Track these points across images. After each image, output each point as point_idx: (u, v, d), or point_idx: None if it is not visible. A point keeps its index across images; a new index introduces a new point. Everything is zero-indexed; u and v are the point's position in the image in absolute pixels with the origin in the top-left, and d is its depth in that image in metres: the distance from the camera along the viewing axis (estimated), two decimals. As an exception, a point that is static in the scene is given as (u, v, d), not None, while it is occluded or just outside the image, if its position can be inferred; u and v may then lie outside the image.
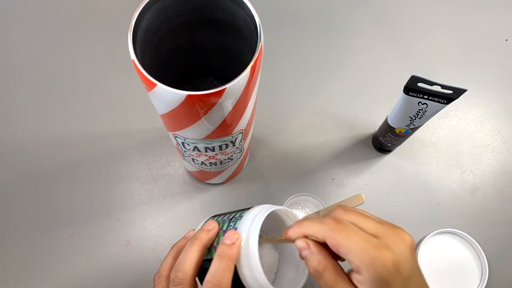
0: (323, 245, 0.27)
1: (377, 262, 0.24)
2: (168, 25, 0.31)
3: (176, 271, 0.28)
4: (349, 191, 0.49)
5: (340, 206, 0.29)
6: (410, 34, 0.59)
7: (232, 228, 0.29)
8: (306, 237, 0.28)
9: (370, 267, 0.24)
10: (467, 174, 0.51)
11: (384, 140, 0.48)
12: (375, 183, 0.49)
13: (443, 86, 0.36)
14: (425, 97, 0.38)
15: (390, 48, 0.58)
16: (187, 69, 0.39)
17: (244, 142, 0.38)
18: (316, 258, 0.26)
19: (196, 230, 0.31)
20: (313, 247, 0.27)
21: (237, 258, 0.27)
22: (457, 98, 0.37)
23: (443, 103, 0.38)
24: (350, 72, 0.56)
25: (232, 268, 0.27)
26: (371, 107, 0.54)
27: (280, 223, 0.33)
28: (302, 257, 0.28)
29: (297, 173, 0.50)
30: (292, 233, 0.28)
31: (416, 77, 0.36)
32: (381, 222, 0.27)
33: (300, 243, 0.27)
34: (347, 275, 0.26)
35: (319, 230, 0.27)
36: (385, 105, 0.52)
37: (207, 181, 0.48)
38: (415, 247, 0.27)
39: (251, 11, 0.27)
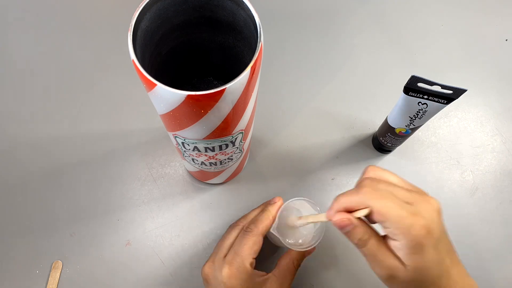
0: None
1: (412, 229, 0.26)
2: (168, 25, 0.31)
3: (253, 224, 0.37)
4: (349, 191, 0.49)
5: (368, 177, 0.31)
6: (410, 34, 0.59)
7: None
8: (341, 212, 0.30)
9: (406, 234, 0.26)
10: (467, 174, 0.51)
11: (384, 140, 0.48)
12: (375, 183, 0.49)
13: (443, 86, 0.36)
14: (425, 97, 0.38)
15: (390, 48, 0.58)
16: (187, 69, 0.39)
17: (244, 142, 0.38)
18: (360, 229, 0.28)
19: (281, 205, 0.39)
20: (355, 221, 0.28)
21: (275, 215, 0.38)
22: (457, 98, 0.37)
23: (443, 103, 0.38)
24: (350, 72, 0.56)
25: (271, 218, 0.37)
26: (371, 107, 0.54)
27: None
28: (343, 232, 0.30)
29: (297, 173, 0.50)
30: (332, 212, 0.30)
31: (416, 77, 0.36)
32: (409, 189, 0.30)
33: (341, 221, 0.29)
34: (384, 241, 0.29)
35: (358, 200, 0.28)
36: (385, 105, 0.52)
37: (207, 181, 0.48)
38: (441, 211, 0.29)
39: (251, 11, 0.27)
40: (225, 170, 0.43)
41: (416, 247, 0.27)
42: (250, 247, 0.35)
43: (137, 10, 0.27)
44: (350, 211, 0.29)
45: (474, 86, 0.56)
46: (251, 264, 0.35)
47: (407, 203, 0.28)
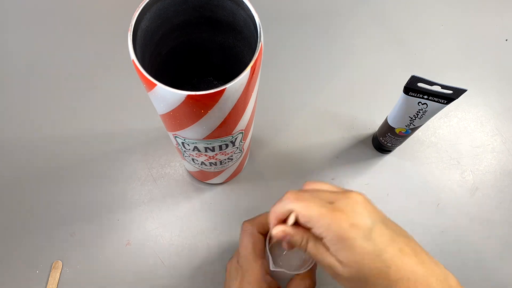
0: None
1: (333, 224, 0.27)
2: (168, 25, 0.31)
3: (247, 221, 0.36)
4: (349, 191, 0.49)
5: (302, 187, 0.32)
6: (410, 34, 0.59)
7: None
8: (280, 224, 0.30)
9: (328, 230, 0.27)
10: (467, 174, 0.51)
11: (384, 140, 0.48)
12: (375, 183, 0.49)
13: (443, 86, 0.36)
14: (425, 97, 0.38)
15: (390, 48, 0.58)
16: (187, 69, 0.39)
17: (244, 142, 0.38)
18: (297, 237, 0.29)
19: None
20: (289, 230, 0.29)
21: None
22: (457, 98, 0.37)
23: (443, 103, 0.38)
24: (350, 72, 0.56)
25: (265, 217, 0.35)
26: (371, 107, 0.54)
27: None
28: (287, 245, 0.31)
29: (297, 173, 0.50)
30: (271, 226, 0.30)
31: (416, 77, 0.36)
32: (334, 191, 0.30)
33: (277, 233, 0.29)
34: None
35: (281, 207, 0.29)
36: (385, 105, 0.52)
37: (207, 181, 0.48)
38: (367, 203, 0.29)
39: (251, 11, 0.27)
40: (225, 170, 0.43)
41: (341, 241, 0.26)
42: (252, 249, 0.34)
43: (137, 10, 0.27)
44: (284, 220, 0.30)
45: (474, 86, 0.56)
46: (261, 265, 0.34)
47: (329, 202, 0.28)
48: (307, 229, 0.29)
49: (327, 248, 0.28)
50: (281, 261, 0.36)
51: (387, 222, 0.29)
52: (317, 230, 0.27)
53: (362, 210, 0.28)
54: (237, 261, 0.35)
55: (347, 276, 0.27)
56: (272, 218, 0.30)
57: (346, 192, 0.30)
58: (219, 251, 0.45)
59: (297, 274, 0.36)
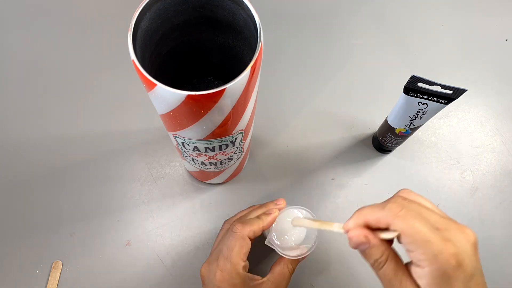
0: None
1: (441, 256, 0.23)
2: (168, 25, 0.31)
3: (240, 224, 0.35)
4: (349, 191, 0.49)
5: (401, 194, 0.28)
6: (410, 34, 0.59)
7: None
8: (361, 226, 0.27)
9: (433, 260, 0.23)
10: (467, 174, 0.51)
11: (384, 140, 0.48)
12: (375, 183, 0.49)
13: (443, 86, 0.36)
14: (425, 97, 0.38)
15: (390, 48, 0.58)
16: (187, 69, 0.39)
17: (244, 142, 0.38)
18: (377, 250, 0.26)
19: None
20: (373, 240, 0.26)
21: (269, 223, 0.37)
22: (457, 98, 0.37)
23: (443, 103, 0.38)
24: (350, 72, 0.56)
25: (260, 227, 0.36)
26: (371, 107, 0.54)
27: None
28: (356, 248, 0.27)
29: (297, 173, 0.50)
30: (351, 224, 0.27)
31: (416, 77, 0.36)
32: (443, 215, 0.26)
33: (357, 237, 0.26)
34: (406, 267, 0.26)
35: (381, 216, 0.26)
36: (385, 105, 0.52)
37: (207, 181, 0.48)
38: (477, 246, 0.25)
39: (251, 11, 0.27)
40: (225, 170, 0.43)
41: (442, 277, 0.23)
42: (238, 252, 0.34)
43: (137, 10, 0.27)
44: (371, 227, 0.26)
45: (474, 86, 0.56)
46: (243, 268, 0.35)
47: (438, 228, 0.24)
48: (390, 245, 0.26)
49: (412, 277, 0.25)
50: (277, 237, 0.37)
51: (481, 271, 0.26)
52: (418, 255, 0.24)
53: (472, 252, 0.24)
54: (217, 264, 0.35)
55: None
56: (361, 218, 0.27)
57: (459, 224, 0.26)
58: (219, 251, 0.45)
59: (283, 257, 0.37)
